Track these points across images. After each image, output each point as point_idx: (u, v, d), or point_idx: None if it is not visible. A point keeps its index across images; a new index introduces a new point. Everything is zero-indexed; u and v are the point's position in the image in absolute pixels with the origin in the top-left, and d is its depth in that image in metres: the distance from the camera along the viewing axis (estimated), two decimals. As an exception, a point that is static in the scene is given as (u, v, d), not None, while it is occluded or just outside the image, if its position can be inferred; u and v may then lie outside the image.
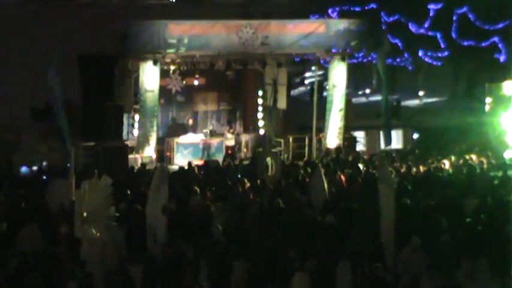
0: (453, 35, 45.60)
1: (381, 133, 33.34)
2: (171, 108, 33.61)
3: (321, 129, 32.55)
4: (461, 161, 26.66)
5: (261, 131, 33.90)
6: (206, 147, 31.41)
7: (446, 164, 26.20)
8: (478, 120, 34.95)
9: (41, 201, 19.56)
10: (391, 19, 46.85)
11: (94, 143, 29.14)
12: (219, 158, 30.70)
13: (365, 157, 29.85)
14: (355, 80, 44.93)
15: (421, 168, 25.51)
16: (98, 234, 15.30)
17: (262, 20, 32.15)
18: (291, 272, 14.63)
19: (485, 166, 25.40)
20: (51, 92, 26.91)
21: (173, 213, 17.81)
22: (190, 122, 33.34)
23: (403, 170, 24.98)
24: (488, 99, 35.02)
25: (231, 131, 32.82)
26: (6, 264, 15.57)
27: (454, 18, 45.36)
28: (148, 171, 24.56)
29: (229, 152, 31.72)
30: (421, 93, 49.55)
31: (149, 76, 29.82)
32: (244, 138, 33.32)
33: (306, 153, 32.19)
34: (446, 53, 46.68)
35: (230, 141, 32.16)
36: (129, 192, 20.48)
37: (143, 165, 27.46)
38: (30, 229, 16.94)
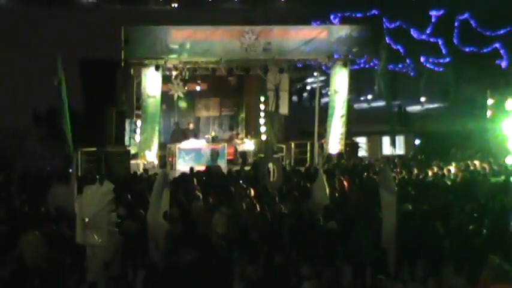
0: (455, 41, 45.67)
1: (383, 139, 33.35)
2: (172, 113, 33.63)
3: (323, 135, 32.54)
4: (463, 167, 26.62)
5: (263, 137, 33.88)
6: (208, 152, 31.40)
7: (449, 169, 26.16)
8: (479, 126, 34.87)
9: (43, 206, 19.52)
10: (393, 25, 46.97)
11: (96, 149, 29.14)
12: (221, 163, 30.69)
13: (366, 162, 29.84)
14: (357, 86, 44.95)
15: (423, 174, 25.48)
16: (100, 240, 15.27)
17: (265, 26, 32.18)
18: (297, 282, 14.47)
19: (487, 172, 25.36)
20: (59, 96, 26.85)
21: (175, 219, 17.77)
22: (191, 126, 33.27)
23: (404, 175, 24.95)
24: (489, 106, 34.91)
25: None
26: (7, 270, 15.51)
27: (456, 24, 45.46)
28: (150, 177, 24.54)
29: (231, 157, 31.78)
30: (422, 99, 49.58)
31: (151, 82, 29.84)
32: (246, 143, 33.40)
33: (308, 159, 32.18)
34: (447, 59, 46.75)
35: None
36: (130, 197, 20.44)
37: (145, 170, 27.47)
38: (32, 234, 16.89)
